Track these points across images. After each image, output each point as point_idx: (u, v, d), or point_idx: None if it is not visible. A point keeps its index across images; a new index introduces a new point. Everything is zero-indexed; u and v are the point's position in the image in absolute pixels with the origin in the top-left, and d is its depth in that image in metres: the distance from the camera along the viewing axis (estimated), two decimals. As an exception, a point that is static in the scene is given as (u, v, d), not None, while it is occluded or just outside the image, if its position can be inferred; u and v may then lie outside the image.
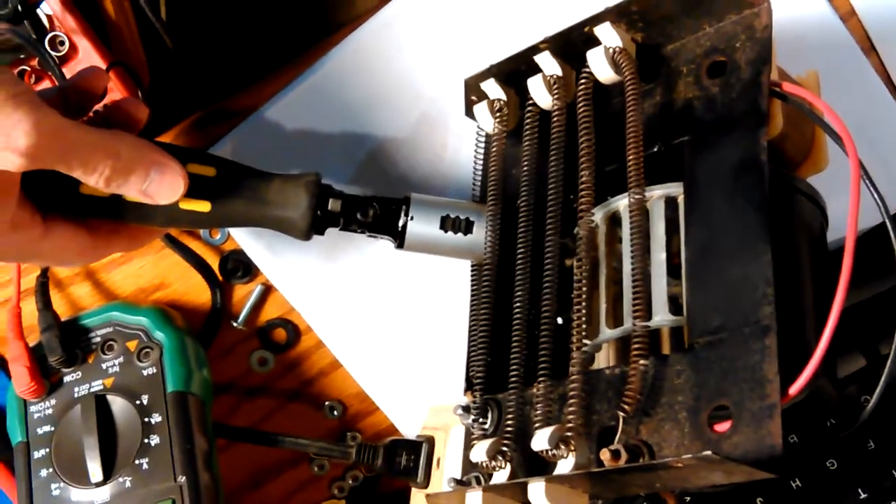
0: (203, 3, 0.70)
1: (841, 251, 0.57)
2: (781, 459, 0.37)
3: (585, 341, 0.45)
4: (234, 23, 0.67)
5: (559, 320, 0.49)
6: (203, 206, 0.52)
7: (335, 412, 0.63)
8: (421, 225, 0.53)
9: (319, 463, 0.63)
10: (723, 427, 0.39)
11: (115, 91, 0.60)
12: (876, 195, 0.41)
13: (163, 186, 0.49)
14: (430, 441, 0.58)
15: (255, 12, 0.67)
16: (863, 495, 0.56)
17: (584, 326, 0.45)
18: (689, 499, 0.56)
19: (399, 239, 0.53)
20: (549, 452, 0.42)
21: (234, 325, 0.62)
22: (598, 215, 0.49)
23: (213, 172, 0.52)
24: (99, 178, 0.48)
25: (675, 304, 0.44)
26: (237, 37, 0.67)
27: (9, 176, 0.46)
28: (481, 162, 0.55)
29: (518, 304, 0.48)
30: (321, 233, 0.54)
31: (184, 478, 0.55)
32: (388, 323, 0.62)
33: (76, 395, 0.57)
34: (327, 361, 0.63)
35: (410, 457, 0.58)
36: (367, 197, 0.54)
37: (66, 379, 0.57)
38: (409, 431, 0.62)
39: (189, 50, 0.67)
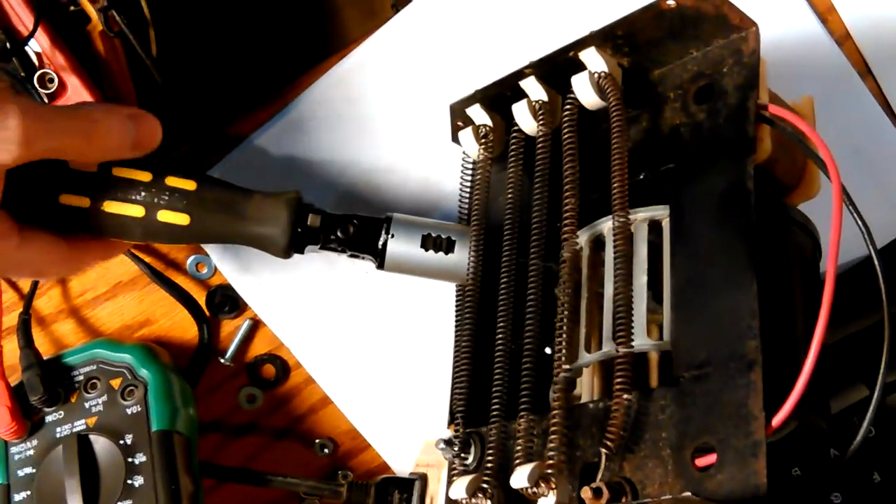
0: (192, 40, 0.70)
1: (838, 280, 0.56)
2: (766, 499, 0.35)
3: (565, 366, 0.43)
4: (223, 56, 0.67)
5: (548, 350, 0.48)
6: (182, 220, 0.52)
7: (326, 450, 0.61)
8: (401, 243, 0.53)
9: (310, 502, 0.61)
10: (706, 461, 0.37)
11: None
12: (860, 222, 0.39)
13: (144, 130, 0.51)
14: (424, 478, 0.57)
15: (245, 45, 0.66)
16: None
17: (565, 355, 0.43)
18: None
19: (379, 258, 0.53)
20: (529, 490, 0.41)
21: (222, 361, 0.61)
22: (583, 238, 0.48)
23: (193, 186, 0.52)
24: (87, 148, 0.49)
25: (657, 330, 0.43)
26: (226, 70, 0.67)
27: None
28: (467, 188, 0.54)
29: (501, 333, 0.47)
30: (301, 251, 0.53)
31: (169, 520, 0.53)
32: (380, 358, 0.61)
33: (58, 436, 0.56)
34: (317, 398, 0.61)
35: (403, 495, 0.57)
36: (348, 215, 0.53)
37: (48, 419, 0.56)
38: (402, 468, 0.61)
39: (178, 85, 0.67)
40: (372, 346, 0.61)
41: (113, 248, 0.54)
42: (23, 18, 0.58)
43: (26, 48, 0.58)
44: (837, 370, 0.53)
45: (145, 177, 0.52)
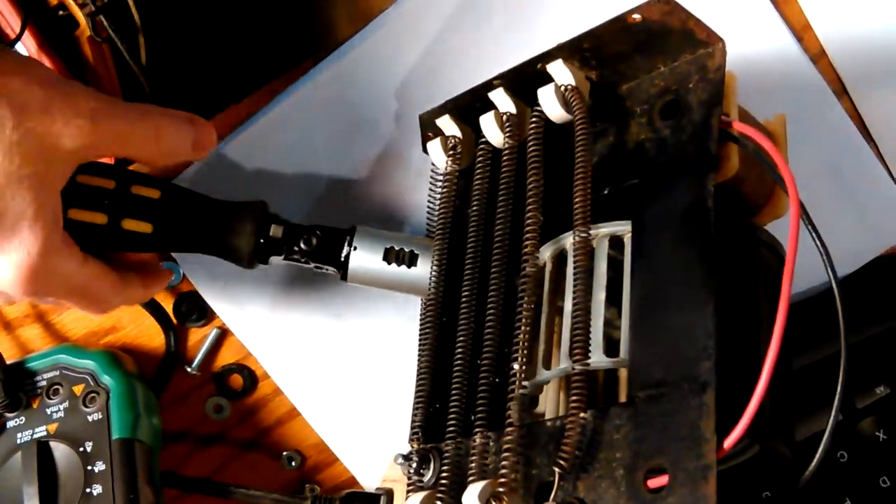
0: (181, 46, 0.69)
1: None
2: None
3: (524, 383, 0.43)
4: (212, 60, 0.67)
5: (515, 367, 0.47)
6: (145, 228, 0.51)
7: (293, 462, 0.61)
8: (364, 256, 0.52)
9: (276, 515, 0.61)
10: (658, 483, 0.37)
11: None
12: (818, 243, 0.38)
13: (202, 132, 0.51)
14: (390, 494, 0.56)
15: (232, 51, 0.66)
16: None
17: (524, 371, 0.43)
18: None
19: (342, 270, 0.52)
20: (481, 510, 0.40)
21: (189, 370, 0.60)
22: (547, 253, 0.47)
23: (157, 195, 0.52)
24: (156, 149, 0.49)
25: (614, 347, 0.42)
26: (214, 73, 0.66)
27: (64, 166, 0.46)
28: (434, 200, 0.53)
29: (461, 348, 0.46)
30: (265, 261, 0.53)
31: (127, 530, 0.53)
32: (349, 371, 0.60)
33: (18, 442, 0.55)
34: (285, 409, 0.61)
35: (368, 510, 0.56)
36: (311, 226, 0.53)
37: (9, 424, 0.56)
38: (370, 483, 0.60)
39: (166, 91, 0.66)
40: (341, 358, 0.60)
41: (159, 280, 0.54)
42: (10, 22, 0.58)
43: (13, 53, 0.58)
44: (809, 394, 0.52)
45: (109, 184, 0.52)
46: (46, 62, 0.58)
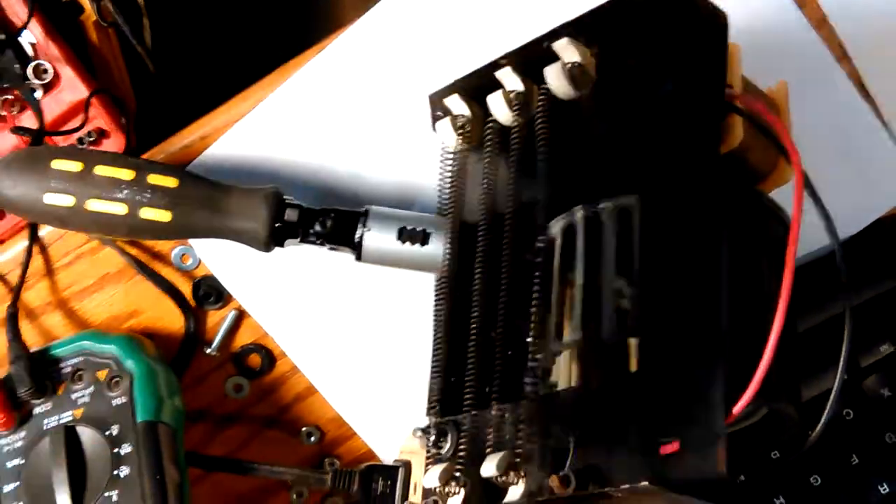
0: (186, 27, 0.70)
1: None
2: (725, 487, 0.36)
3: (538, 356, 0.44)
4: (217, 41, 0.67)
5: (529, 339, 0.48)
6: (164, 216, 0.53)
7: (312, 438, 0.62)
8: (378, 236, 0.53)
9: (298, 490, 0.62)
10: (670, 449, 0.38)
11: (99, 118, 0.60)
12: (821, 211, 0.39)
13: None
14: (408, 466, 0.57)
15: (237, 31, 0.67)
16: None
17: (537, 344, 0.44)
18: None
19: (357, 250, 0.54)
20: (499, 479, 0.41)
21: (208, 351, 0.62)
22: (557, 227, 0.48)
23: (175, 183, 0.53)
24: None
25: (624, 318, 0.43)
26: (219, 54, 0.67)
27: None
28: (445, 179, 0.54)
29: (475, 322, 0.48)
30: (281, 244, 0.54)
31: (154, 509, 0.54)
32: (364, 346, 0.61)
33: (46, 427, 0.56)
34: (303, 386, 0.62)
35: (387, 482, 0.58)
36: (325, 209, 0.54)
37: (36, 410, 0.57)
38: (387, 456, 0.61)
39: (172, 72, 0.67)
40: (356, 334, 0.61)
41: None
42: (16, 10, 0.59)
43: (20, 39, 0.59)
44: (814, 355, 0.53)
45: (128, 175, 0.53)
46: (53, 48, 0.59)
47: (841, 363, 0.38)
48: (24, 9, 0.59)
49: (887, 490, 0.55)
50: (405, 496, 0.56)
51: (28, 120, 0.60)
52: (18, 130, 0.59)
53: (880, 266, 0.58)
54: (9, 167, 0.54)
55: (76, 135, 0.60)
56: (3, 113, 0.60)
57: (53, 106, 0.60)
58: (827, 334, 0.55)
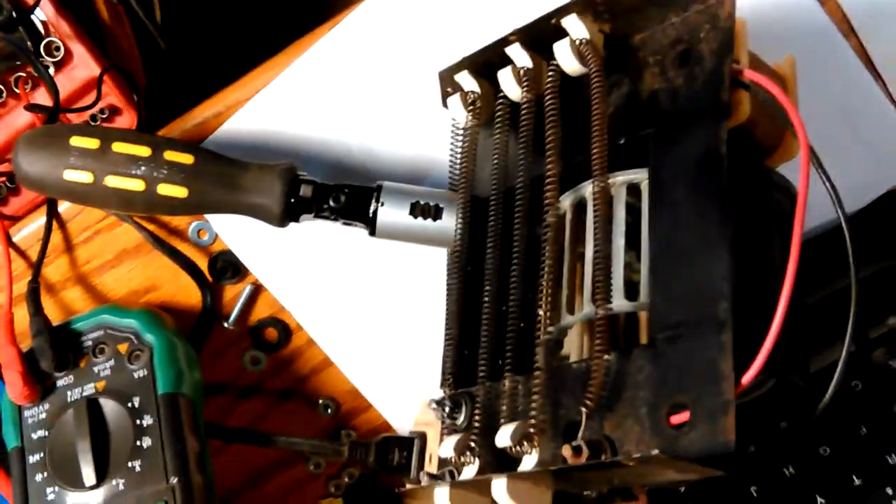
0: (196, 4, 0.71)
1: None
2: (735, 456, 0.37)
3: (549, 329, 0.45)
4: (227, 17, 0.68)
5: (540, 312, 0.49)
6: (180, 192, 0.54)
7: (329, 410, 0.63)
8: (391, 211, 0.54)
9: (315, 461, 0.63)
10: (680, 419, 0.39)
11: (111, 94, 0.61)
12: (828, 185, 0.40)
13: None
14: (423, 437, 0.58)
15: (246, 7, 0.67)
16: (857, 482, 0.56)
17: (548, 317, 0.45)
18: (682, 489, 0.56)
19: (371, 225, 0.55)
20: (513, 449, 0.43)
21: (225, 325, 0.63)
22: (567, 202, 0.49)
23: (191, 160, 0.54)
24: None
25: (634, 291, 0.44)
26: (229, 30, 0.67)
27: None
28: (456, 155, 0.55)
29: (487, 296, 0.49)
30: (296, 220, 0.55)
31: (176, 479, 0.55)
32: (379, 319, 0.62)
33: (69, 400, 0.57)
34: (319, 359, 0.63)
35: (403, 453, 0.59)
36: (339, 185, 0.55)
37: (59, 383, 0.58)
38: (403, 427, 0.63)
39: (182, 48, 0.68)
40: (371, 307, 0.62)
41: None
42: (29, -12, 0.60)
43: (32, 17, 0.59)
44: (822, 327, 0.54)
45: (145, 152, 0.54)
46: (65, 25, 0.60)
47: (848, 334, 0.39)
48: (35, -15, 0.59)
49: (896, 460, 0.56)
50: (421, 466, 0.57)
51: (41, 97, 0.60)
52: (33, 108, 0.59)
53: (888, 239, 0.58)
54: (29, 145, 0.55)
55: (89, 112, 0.60)
56: (17, 91, 0.60)
57: (66, 83, 0.60)
58: (835, 307, 0.55)
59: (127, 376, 0.57)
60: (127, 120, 0.62)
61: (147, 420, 0.56)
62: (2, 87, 0.60)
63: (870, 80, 0.59)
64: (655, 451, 0.37)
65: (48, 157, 0.54)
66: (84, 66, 0.60)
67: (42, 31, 0.60)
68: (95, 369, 0.58)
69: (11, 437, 0.58)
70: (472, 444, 0.45)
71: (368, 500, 0.64)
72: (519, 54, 0.51)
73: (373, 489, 0.64)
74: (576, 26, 0.48)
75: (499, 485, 0.42)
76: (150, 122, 0.62)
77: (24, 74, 0.60)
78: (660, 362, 0.41)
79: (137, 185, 0.54)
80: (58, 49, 0.60)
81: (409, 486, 0.50)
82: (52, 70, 0.60)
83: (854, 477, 0.56)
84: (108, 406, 0.57)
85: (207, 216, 0.61)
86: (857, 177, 0.58)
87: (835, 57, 0.58)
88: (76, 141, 0.55)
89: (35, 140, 0.55)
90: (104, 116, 0.61)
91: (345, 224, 0.55)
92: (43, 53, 0.59)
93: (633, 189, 0.47)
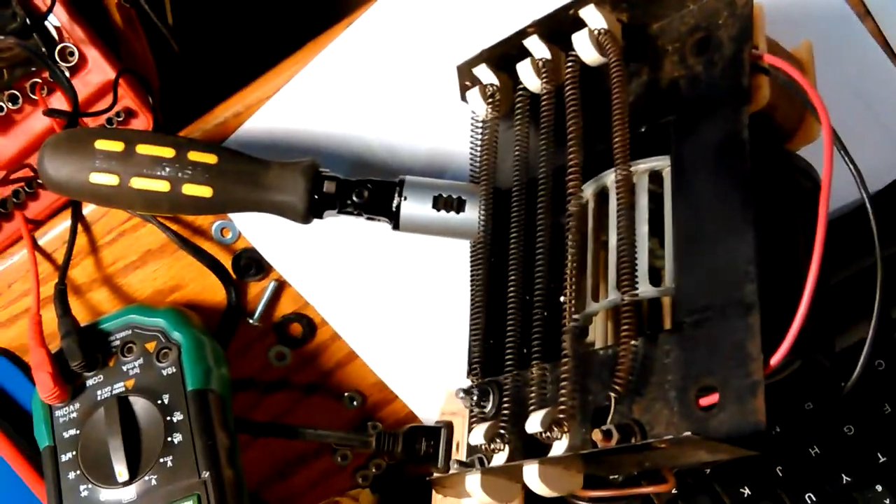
0: (208, 6, 0.71)
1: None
2: (765, 436, 0.37)
3: (575, 316, 0.45)
4: (239, 18, 0.68)
5: (562, 299, 0.50)
6: (205, 192, 0.55)
7: (355, 402, 0.64)
8: (414, 205, 0.55)
9: (342, 453, 0.64)
10: (709, 401, 0.39)
11: (126, 98, 0.62)
12: (852, 167, 0.40)
13: None
14: (449, 426, 0.59)
15: (257, 10, 0.68)
16: (881, 459, 0.57)
17: (573, 305, 0.45)
18: (708, 471, 0.56)
19: (394, 220, 0.55)
20: (543, 435, 0.43)
21: (251, 321, 0.63)
22: (588, 191, 0.49)
23: (214, 160, 0.55)
24: None
25: (657, 277, 0.45)
26: (240, 32, 0.68)
27: None
28: (476, 148, 0.55)
29: (513, 285, 0.49)
30: (320, 216, 0.56)
31: (207, 473, 0.55)
32: (402, 311, 0.63)
33: (99, 398, 0.58)
34: (344, 353, 0.64)
35: (430, 442, 0.59)
36: (362, 180, 0.56)
37: (89, 383, 0.59)
38: (429, 417, 0.63)
39: (194, 50, 0.68)
40: (394, 300, 0.63)
41: None
42: (42, -6, 0.60)
43: (46, 23, 0.60)
44: (845, 307, 0.54)
45: (169, 153, 0.55)
46: (78, 30, 0.60)
47: (875, 313, 0.40)
48: (49, -7, 0.60)
49: (921, 437, 0.57)
50: (448, 455, 0.58)
51: (57, 102, 0.61)
52: (52, 113, 0.60)
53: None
54: (55, 149, 0.55)
55: (106, 115, 0.61)
56: (34, 96, 0.61)
57: (81, 87, 0.61)
58: (859, 287, 0.56)
59: (156, 374, 0.58)
60: (142, 123, 0.62)
61: (177, 416, 0.57)
62: (18, 93, 0.61)
63: (887, 63, 0.59)
64: (687, 433, 0.37)
65: (74, 161, 0.55)
66: (99, 70, 0.61)
67: (56, 37, 0.61)
68: (124, 368, 0.58)
69: (43, 436, 0.58)
70: (502, 432, 0.46)
71: (396, 489, 0.64)
72: (537, 46, 0.51)
73: (400, 479, 0.64)
74: (594, 16, 0.49)
75: (531, 470, 0.42)
76: (165, 125, 0.63)
77: (39, 80, 0.61)
78: (687, 346, 0.42)
79: (163, 186, 0.55)
80: (72, 54, 0.61)
81: (437, 474, 0.50)
82: (67, 75, 0.60)
83: (879, 455, 0.56)
84: (139, 403, 0.57)
85: (230, 215, 0.62)
86: (876, 159, 0.59)
87: (851, 40, 0.59)
88: (101, 144, 0.55)
89: (60, 144, 0.56)
90: (120, 119, 0.62)
91: (368, 219, 0.56)
92: (57, 59, 0.60)
93: (655, 176, 0.47)
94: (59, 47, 0.60)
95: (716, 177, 0.43)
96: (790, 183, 0.46)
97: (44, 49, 0.60)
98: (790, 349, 0.39)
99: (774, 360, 0.39)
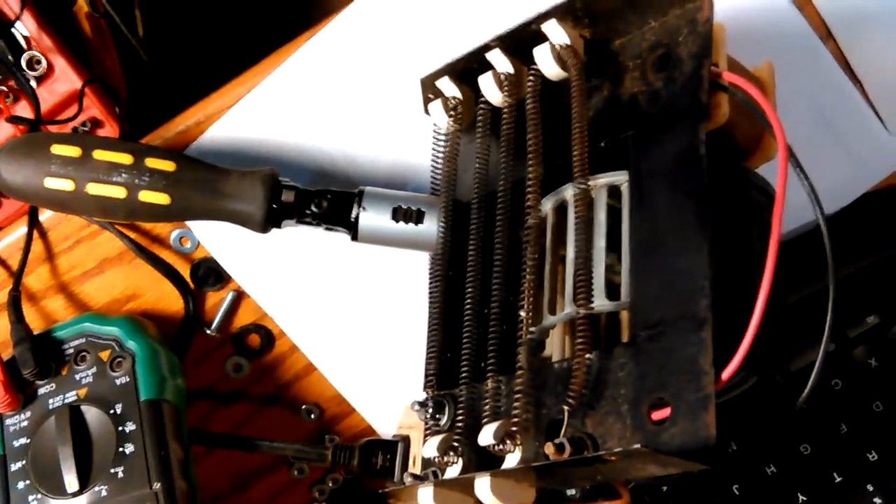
0: (177, 17, 0.71)
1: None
2: (716, 450, 0.37)
3: (531, 329, 0.45)
4: (208, 29, 0.68)
5: (522, 314, 0.50)
6: (163, 199, 0.54)
7: (312, 415, 0.63)
8: (373, 216, 0.55)
9: (299, 467, 0.63)
10: (661, 416, 0.39)
11: (93, 107, 0.61)
12: (807, 185, 0.40)
13: None
14: (406, 440, 0.58)
15: (226, 21, 0.67)
16: (837, 479, 0.57)
17: (530, 318, 0.45)
18: (665, 489, 0.56)
19: (353, 230, 0.55)
20: (496, 447, 0.43)
21: (208, 332, 0.63)
22: (548, 205, 0.49)
23: (172, 167, 0.54)
24: None
25: (615, 291, 0.45)
26: (210, 42, 0.68)
27: None
28: (438, 160, 0.55)
29: (469, 298, 0.49)
30: (278, 225, 0.56)
31: (159, 484, 0.55)
32: (361, 324, 0.62)
33: (50, 407, 0.57)
34: (302, 365, 0.63)
35: (387, 456, 0.59)
36: (321, 190, 0.55)
37: (41, 391, 0.58)
38: (387, 431, 0.63)
39: (164, 60, 0.68)
40: (353, 313, 0.62)
41: None
42: (9, 2, 0.60)
43: (13, 31, 0.60)
44: (803, 327, 0.54)
45: (126, 159, 0.54)
46: (46, 39, 0.60)
47: (826, 332, 0.40)
48: (17, 1, 0.59)
49: (876, 458, 0.57)
50: (405, 469, 0.57)
51: (22, 110, 0.61)
52: (15, 120, 0.59)
53: (866, 239, 0.59)
54: (10, 154, 0.55)
55: (71, 124, 0.61)
56: (-1, 105, 0.61)
57: (47, 96, 0.60)
58: (816, 306, 0.56)
59: (109, 383, 0.57)
60: (108, 132, 0.62)
61: (129, 426, 0.56)
62: (-18, 101, 0.61)
63: (847, 83, 0.60)
64: (637, 446, 0.37)
65: (29, 165, 0.55)
66: (65, 79, 0.61)
67: (23, 45, 0.60)
68: (77, 377, 0.58)
69: (-7, 445, 0.58)
70: (455, 444, 0.46)
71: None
72: (500, 60, 0.52)
73: (357, 494, 0.64)
74: (556, 31, 0.49)
75: (482, 483, 0.42)
76: (133, 135, 0.62)
77: (5, 88, 0.61)
78: (641, 360, 0.41)
79: (119, 193, 0.54)
80: (39, 63, 0.60)
81: (391, 487, 0.50)
82: (33, 83, 0.60)
83: (835, 474, 0.57)
84: (91, 413, 0.56)
85: (189, 223, 0.62)
86: (836, 180, 0.59)
87: (813, 61, 0.59)
88: (57, 149, 0.55)
89: (16, 148, 0.55)
90: (86, 129, 0.62)
91: (327, 229, 0.56)
92: (24, 67, 0.60)
93: (613, 191, 0.47)
94: (26, 56, 0.60)
95: (673, 192, 0.43)
96: (746, 199, 0.46)
97: (10, 57, 0.59)
98: (741, 364, 0.39)
99: (726, 374, 0.39)
